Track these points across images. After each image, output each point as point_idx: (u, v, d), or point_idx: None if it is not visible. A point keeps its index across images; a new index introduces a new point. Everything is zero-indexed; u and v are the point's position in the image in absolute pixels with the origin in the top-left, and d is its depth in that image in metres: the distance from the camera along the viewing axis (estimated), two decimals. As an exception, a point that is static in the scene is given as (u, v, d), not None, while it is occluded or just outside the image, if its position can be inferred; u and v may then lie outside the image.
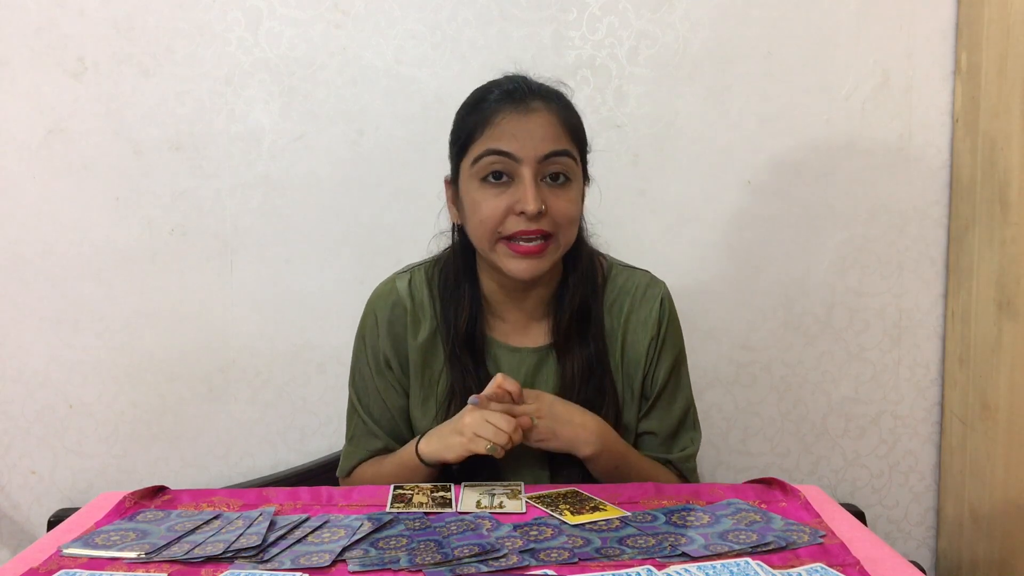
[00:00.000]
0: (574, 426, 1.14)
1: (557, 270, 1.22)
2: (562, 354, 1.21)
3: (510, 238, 1.11)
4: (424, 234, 1.51)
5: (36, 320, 1.60)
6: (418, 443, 1.16)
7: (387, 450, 1.25)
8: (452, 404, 1.19)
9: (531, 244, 1.11)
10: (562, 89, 1.19)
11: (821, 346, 1.67)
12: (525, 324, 1.24)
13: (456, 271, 1.22)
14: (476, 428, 1.08)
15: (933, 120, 1.62)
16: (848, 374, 1.67)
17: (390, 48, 1.58)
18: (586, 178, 1.21)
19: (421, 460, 1.15)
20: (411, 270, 1.27)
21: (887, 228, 1.64)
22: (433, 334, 1.23)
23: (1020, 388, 1.42)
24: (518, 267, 1.12)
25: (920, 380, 1.68)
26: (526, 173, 1.09)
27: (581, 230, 1.22)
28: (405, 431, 1.26)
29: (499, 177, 1.11)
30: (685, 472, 1.25)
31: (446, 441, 1.12)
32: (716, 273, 1.64)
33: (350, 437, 1.28)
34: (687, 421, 1.26)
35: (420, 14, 1.57)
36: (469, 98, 1.19)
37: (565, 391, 1.20)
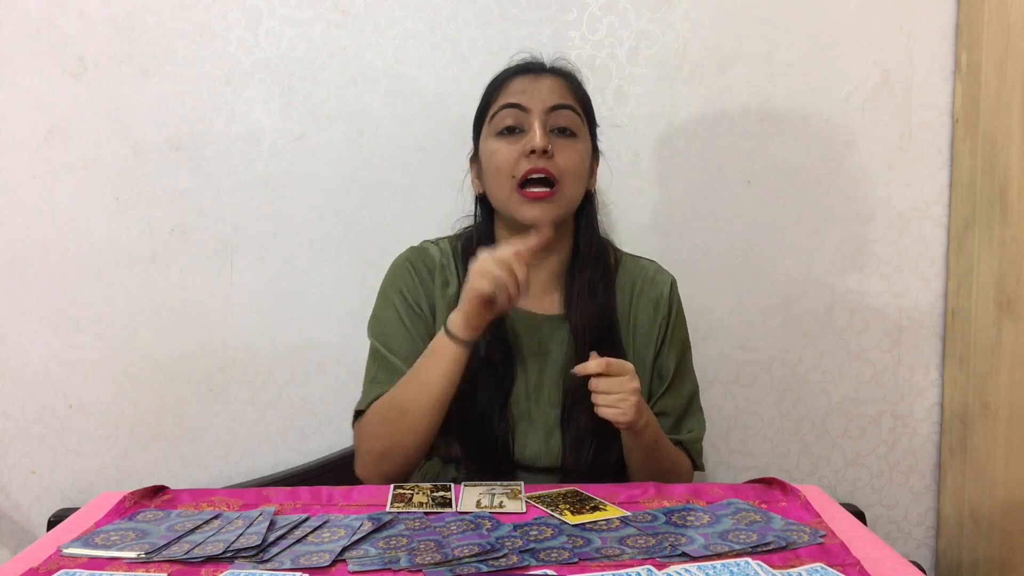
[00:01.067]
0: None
1: (568, 239, 1.28)
2: (573, 322, 1.26)
3: (523, 184, 1.19)
4: (424, 234, 1.52)
5: (36, 320, 1.60)
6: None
7: None
8: (471, 374, 1.20)
9: (540, 189, 1.19)
10: (572, 70, 1.29)
11: (821, 346, 1.67)
12: (540, 293, 1.28)
13: (478, 240, 1.28)
14: (480, 267, 1.10)
15: (933, 120, 1.62)
16: (848, 374, 1.67)
17: (390, 48, 1.58)
18: (595, 151, 1.30)
19: (448, 333, 1.14)
20: (438, 239, 1.34)
21: (887, 228, 1.64)
22: (456, 295, 1.24)
23: (1020, 388, 1.42)
24: (531, 213, 1.19)
25: (920, 380, 1.68)
26: (535, 120, 1.20)
27: (595, 209, 1.30)
28: None
29: (512, 131, 1.21)
30: (694, 453, 1.29)
31: (461, 303, 1.13)
32: (716, 273, 1.64)
33: (371, 379, 1.26)
34: (694, 404, 1.32)
35: (420, 14, 1.57)
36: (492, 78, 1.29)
37: (577, 358, 1.21)
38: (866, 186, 1.63)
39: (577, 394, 1.22)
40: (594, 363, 1.12)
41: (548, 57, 1.30)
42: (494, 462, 1.22)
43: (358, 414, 1.25)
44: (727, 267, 1.64)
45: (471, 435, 1.23)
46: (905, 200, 1.64)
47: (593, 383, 1.13)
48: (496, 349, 1.23)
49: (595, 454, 1.23)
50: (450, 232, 1.37)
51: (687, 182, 1.62)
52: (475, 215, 1.33)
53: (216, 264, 1.61)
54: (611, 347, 1.24)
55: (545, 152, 1.18)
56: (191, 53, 1.56)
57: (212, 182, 1.59)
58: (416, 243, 1.35)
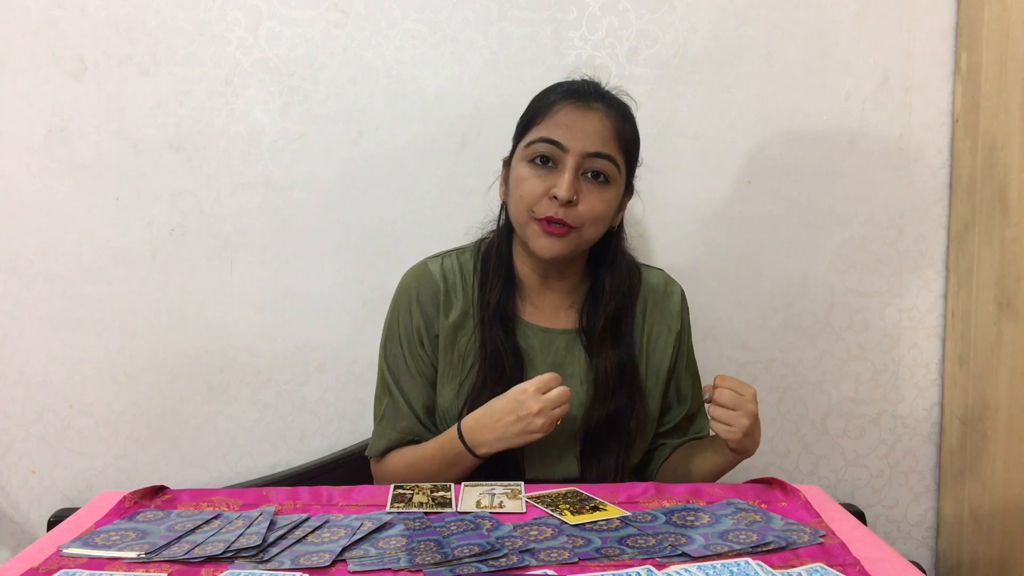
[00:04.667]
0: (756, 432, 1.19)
1: (582, 264, 1.29)
2: (595, 356, 1.25)
3: (540, 218, 1.18)
4: (424, 233, 1.52)
5: (36, 320, 1.60)
6: (463, 436, 1.17)
7: (413, 432, 1.27)
8: (481, 378, 1.23)
9: (557, 226, 1.18)
10: (627, 102, 1.26)
11: (821, 346, 1.67)
12: (554, 310, 1.29)
13: (498, 247, 1.29)
14: (534, 408, 1.12)
15: (933, 120, 1.62)
16: (848, 374, 1.67)
17: (390, 48, 1.58)
18: (629, 190, 1.28)
19: (468, 449, 1.16)
20: (442, 255, 1.33)
21: (887, 228, 1.64)
22: (464, 314, 1.27)
23: (1020, 388, 1.42)
24: (542, 245, 1.19)
25: (920, 380, 1.68)
26: (569, 163, 1.17)
27: (620, 239, 1.29)
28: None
29: (546, 161, 1.19)
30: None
31: (504, 437, 1.14)
32: (716, 273, 1.64)
33: (380, 418, 1.30)
34: (703, 407, 1.34)
35: (420, 14, 1.57)
36: (543, 89, 1.26)
37: (599, 391, 1.24)
38: (866, 186, 1.63)
39: (599, 424, 1.23)
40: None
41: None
42: (503, 478, 1.20)
43: (372, 454, 1.31)
44: (727, 267, 1.64)
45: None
46: (905, 200, 1.64)
47: (718, 394, 1.14)
48: (507, 363, 1.23)
49: (616, 470, 1.24)
50: (459, 237, 1.37)
51: (687, 182, 1.62)
52: (498, 221, 1.31)
53: (216, 264, 1.61)
54: (632, 375, 1.26)
55: (569, 202, 1.16)
56: (191, 53, 1.56)
57: (212, 182, 1.59)
58: (410, 247, 1.35)
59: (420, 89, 1.58)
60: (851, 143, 1.62)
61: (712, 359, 1.65)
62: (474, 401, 1.22)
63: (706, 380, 1.65)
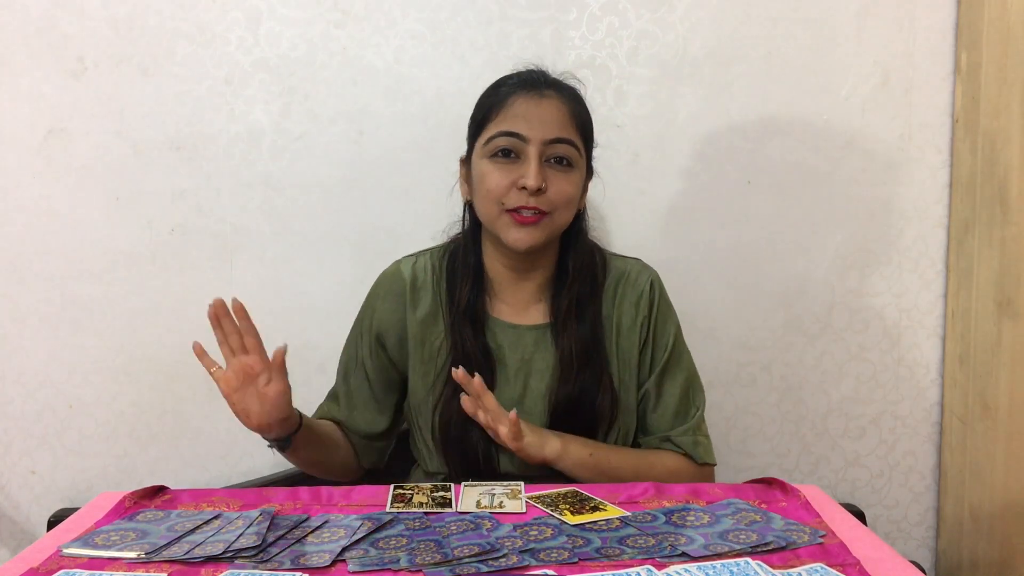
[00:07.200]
0: (539, 433, 1.21)
1: (554, 254, 1.28)
2: (560, 336, 1.26)
3: (511, 210, 1.18)
4: (424, 234, 1.52)
5: (36, 320, 1.60)
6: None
7: (339, 420, 1.31)
8: (452, 379, 1.22)
9: (529, 215, 1.18)
10: (575, 85, 1.26)
11: (821, 346, 1.67)
12: (524, 305, 1.29)
13: (465, 248, 1.29)
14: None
15: (933, 120, 1.62)
16: (848, 374, 1.67)
17: (390, 48, 1.58)
18: (589, 172, 1.28)
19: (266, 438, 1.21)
20: (418, 254, 1.34)
21: (887, 228, 1.64)
22: (433, 311, 1.28)
23: (1020, 388, 1.42)
24: (516, 236, 1.19)
25: (920, 380, 1.68)
26: (532, 152, 1.17)
27: (583, 221, 1.29)
28: (385, 406, 1.32)
29: (508, 154, 1.19)
30: (686, 447, 1.26)
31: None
32: (716, 273, 1.64)
33: (328, 394, 1.36)
34: (688, 395, 1.29)
35: (420, 14, 1.57)
36: (491, 84, 1.26)
37: (564, 371, 1.24)
38: (866, 186, 1.63)
39: (565, 405, 1.24)
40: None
41: (552, 67, 1.27)
42: (477, 473, 1.21)
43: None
44: (727, 267, 1.64)
45: (452, 447, 1.23)
46: (905, 200, 1.64)
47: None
48: (477, 363, 1.22)
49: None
50: (442, 237, 1.37)
51: (687, 182, 1.62)
52: (463, 221, 1.30)
53: (216, 264, 1.61)
54: (598, 357, 1.25)
55: (539, 190, 1.16)
56: (191, 53, 1.56)
57: (212, 182, 1.59)
58: (410, 248, 1.37)
59: (420, 89, 1.58)
60: (851, 143, 1.62)
61: (712, 359, 1.65)
62: (447, 401, 1.23)
63: (707, 379, 1.65)
